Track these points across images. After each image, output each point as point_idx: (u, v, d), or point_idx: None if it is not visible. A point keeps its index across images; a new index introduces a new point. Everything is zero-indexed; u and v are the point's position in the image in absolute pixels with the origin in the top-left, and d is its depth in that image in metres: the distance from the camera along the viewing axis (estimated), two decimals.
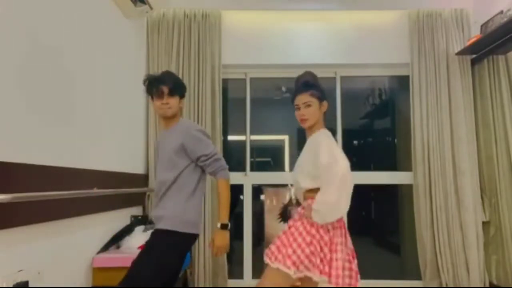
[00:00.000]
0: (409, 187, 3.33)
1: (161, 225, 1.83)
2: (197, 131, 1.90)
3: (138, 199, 3.07)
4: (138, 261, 1.77)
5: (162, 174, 1.90)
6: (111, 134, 2.61)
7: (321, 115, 1.91)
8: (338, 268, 1.69)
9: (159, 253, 1.77)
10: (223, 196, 1.90)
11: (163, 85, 1.89)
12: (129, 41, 3.06)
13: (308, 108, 1.85)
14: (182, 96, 1.98)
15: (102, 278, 2.31)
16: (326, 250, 1.72)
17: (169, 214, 1.84)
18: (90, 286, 2.31)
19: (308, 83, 1.91)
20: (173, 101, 1.91)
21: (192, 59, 3.24)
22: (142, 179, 3.08)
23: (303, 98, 1.86)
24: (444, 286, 3.06)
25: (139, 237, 2.53)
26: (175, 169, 1.86)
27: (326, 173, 1.70)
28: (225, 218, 1.87)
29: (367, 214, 4.05)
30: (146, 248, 1.81)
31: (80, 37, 2.25)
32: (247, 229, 3.37)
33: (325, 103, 1.91)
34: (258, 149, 3.70)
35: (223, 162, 1.91)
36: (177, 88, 1.93)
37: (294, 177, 1.95)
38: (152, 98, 1.96)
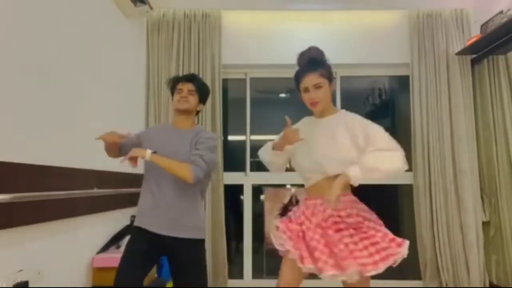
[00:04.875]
0: (409, 187, 3.33)
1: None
2: (214, 137, 1.91)
3: (138, 199, 3.06)
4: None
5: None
6: None
7: (331, 97, 1.73)
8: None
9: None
10: (177, 165, 1.75)
11: (187, 81, 1.93)
12: (129, 41, 3.06)
13: (319, 90, 1.65)
14: (201, 100, 1.98)
15: (102, 278, 2.30)
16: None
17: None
18: (90, 286, 2.31)
19: (315, 60, 1.69)
20: (192, 98, 1.92)
21: (192, 59, 3.23)
22: (142, 179, 3.08)
23: (312, 80, 1.64)
24: (444, 286, 3.06)
25: None
26: None
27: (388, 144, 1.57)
28: (159, 157, 1.75)
29: None
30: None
31: (80, 37, 2.25)
32: (247, 229, 3.37)
33: (334, 83, 1.74)
34: (258, 149, 3.69)
35: (204, 167, 1.76)
36: (200, 87, 1.95)
37: (319, 163, 1.66)
38: (172, 96, 1.96)
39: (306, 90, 1.67)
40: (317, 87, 1.65)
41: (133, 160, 1.75)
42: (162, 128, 2.00)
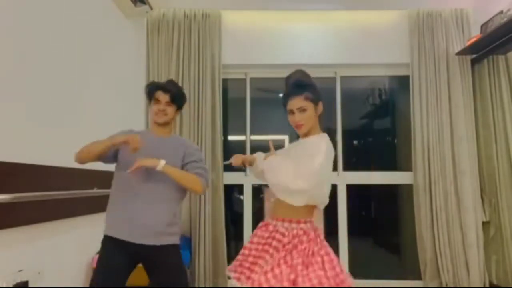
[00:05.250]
0: (409, 187, 3.33)
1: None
2: (199, 149, 2.04)
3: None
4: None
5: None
6: (111, 134, 2.61)
7: (317, 118, 1.73)
8: None
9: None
10: (188, 177, 1.85)
11: (164, 92, 1.91)
12: (129, 41, 3.06)
13: (303, 113, 1.67)
14: (179, 107, 2.00)
15: None
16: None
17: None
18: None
19: (300, 83, 1.71)
20: (170, 110, 1.93)
21: (192, 59, 3.23)
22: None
23: (297, 103, 1.67)
24: (444, 286, 3.06)
25: None
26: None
27: (310, 174, 1.54)
28: (171, 168, 1.79)
29: (367, 214, 4.05)
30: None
31: (80, 37, 2.25)
32: (247, 229, 3.37)
33: (320, 105, 1.72)
34: (258, 149, 3.69)
35: (208, 180, 1.95)
36: (177, 98, 1.95)
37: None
38: (150, 102, 1.96)
39: (291, 112, 1.70)
40: (302, 110, 1.67)
41: (138, 169, 1.75)
42: (144, 136, 1.88)
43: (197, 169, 1.88)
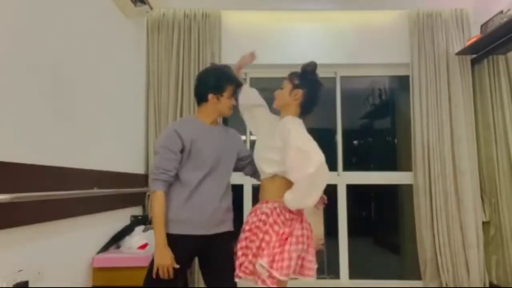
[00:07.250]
0: (409, 187, 3.33)
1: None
2: None
3: (138, 199, 3.07)
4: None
5: (229, 173, 1.94)
6: (111, 134, 2.61)
7: (293, 102, 1.85)
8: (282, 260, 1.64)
9: None
10: None
11: (239, 89, 1.99)
12: (129, 41, 3.06)
13: (280, 90, 1.91)
14: None
15: (102, 278, 2.31)
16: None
17: None
18: (90, 286, 2.31)
19: (295, 71, 1.96)
20: None
21: (192, 59, 3.23)
22: (142, 179, 3.08)
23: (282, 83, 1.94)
24: (444, 286, 3.06)
25: (139, 237, 2.52)
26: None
27: (296, 169, 1.62)
28: None
29: (367, 214, 4.06)
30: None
31: (80, 37, 2.25)
32: None
33: (299, 91, 1.84)
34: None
35: None
36: None
37: (257, 164, 1.89)
38: (220, 91, 1.86)
39: None
40: (281, 88, 1.92)
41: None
42: (206, 128, 1.90)
43: (249, 168, 2.02)
